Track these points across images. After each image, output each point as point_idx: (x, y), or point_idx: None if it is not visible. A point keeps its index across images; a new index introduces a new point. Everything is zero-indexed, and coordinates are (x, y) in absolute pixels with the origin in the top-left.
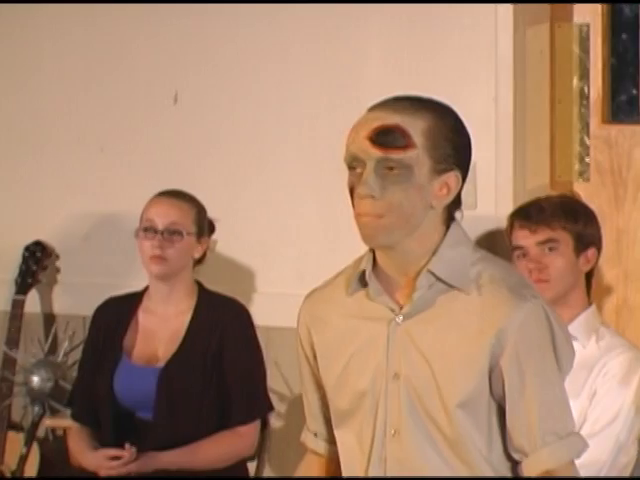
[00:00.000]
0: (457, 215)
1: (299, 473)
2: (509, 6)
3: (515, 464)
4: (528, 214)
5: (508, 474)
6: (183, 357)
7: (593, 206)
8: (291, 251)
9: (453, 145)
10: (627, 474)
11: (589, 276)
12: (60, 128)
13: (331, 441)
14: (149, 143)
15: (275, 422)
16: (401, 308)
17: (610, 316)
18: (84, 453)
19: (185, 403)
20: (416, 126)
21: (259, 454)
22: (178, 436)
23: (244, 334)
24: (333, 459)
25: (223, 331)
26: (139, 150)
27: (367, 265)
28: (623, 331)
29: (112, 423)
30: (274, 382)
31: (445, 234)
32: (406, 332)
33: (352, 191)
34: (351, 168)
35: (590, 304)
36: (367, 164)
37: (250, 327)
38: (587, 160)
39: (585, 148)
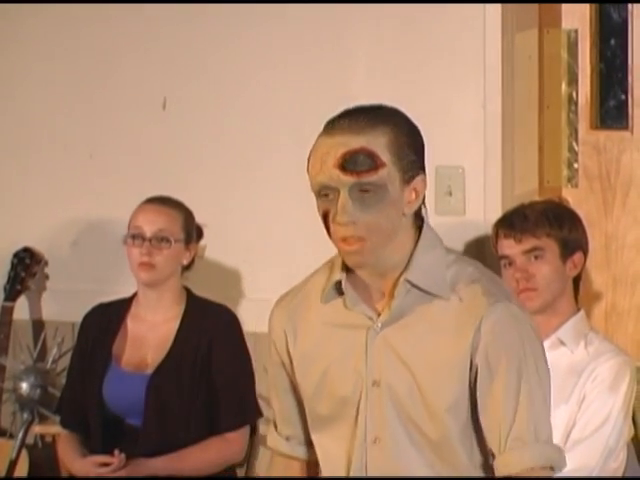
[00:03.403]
0: (423, 212)
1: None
2: (497, 11)
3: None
4: (512, 223)
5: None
6: (172, 363)
7: (582, 212)
8: (279, 257)
9: (414, 150)
10: None
11: (577, 281)
12: (49, 134)
13: (307, 444)
14: (138, 149)
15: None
16: (379, 316)
17: (599, 321)
18: (73, 460)
19: (174, 409)
20: (380, 144)
21: (248, 460)
22: (167, 442)
23: (233, 340)
24: (311, 461)
25: (212, 337)
26: (128, 156)
27: (342, 275)
28: (612, 336)
29: (101, 430)
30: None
31: (417, 237)
32: (385, 340)
33: (325, 216)
34: (321, 195)
35: (579, 310)
36: (341, 191)
37: (239, 333)
38: (576, 166)
39: (574, 154)
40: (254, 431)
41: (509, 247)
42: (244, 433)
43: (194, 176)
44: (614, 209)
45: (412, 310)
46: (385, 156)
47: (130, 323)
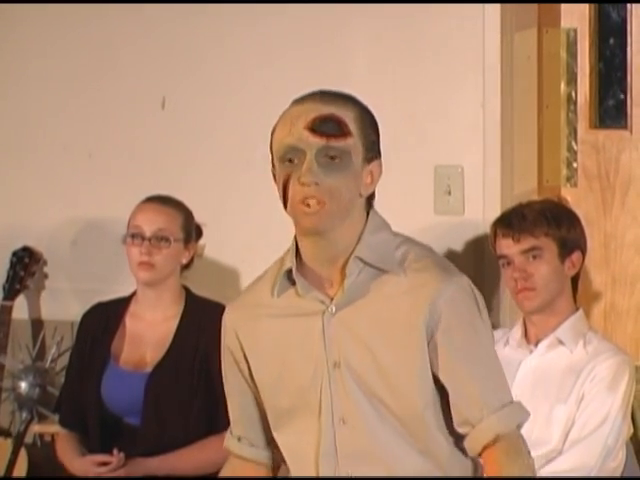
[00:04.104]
0: (373, 201)
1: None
2: (497, 11)
3: (456, 439)
4: (510, 223)
5: (454, 446)
6: (171, 362)
7: (580, 211)
8: (278, 256)
9: (375, 132)
10: None
11: (575, 280)
12: (48, 134)
13: (256, 445)
14: (137, 149)
15: None
16: (332, 299)
17: (598, 321)
18: (72, 459)
19: (173, 408)
20: (348, 116)
21: None
22: (166, 441)
23: None
24: (260, 463)
25: (211, 336)
26: (127, 156)
27: (292, 263)
28: (611, 336)
29: (100, 429)
30: None
31: (366, 221)
32: (341, 321)
33: (286, 183)
34: (285, 160)
35: (577, 309)
36: (307, 153)
37: None
38: (575, 165)
39: (573, 153)
40: None
41: (507, 247)
42: None
43: (193, 175)
44: (613, 208)
45: (365, 289)
46: (352, 128)
47: (129, 322)
